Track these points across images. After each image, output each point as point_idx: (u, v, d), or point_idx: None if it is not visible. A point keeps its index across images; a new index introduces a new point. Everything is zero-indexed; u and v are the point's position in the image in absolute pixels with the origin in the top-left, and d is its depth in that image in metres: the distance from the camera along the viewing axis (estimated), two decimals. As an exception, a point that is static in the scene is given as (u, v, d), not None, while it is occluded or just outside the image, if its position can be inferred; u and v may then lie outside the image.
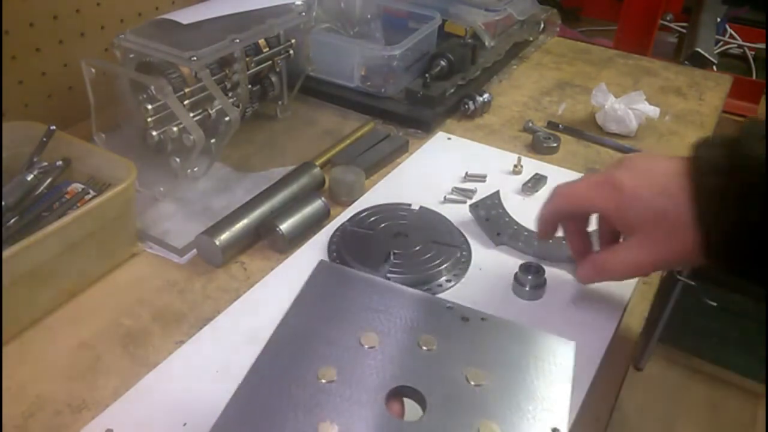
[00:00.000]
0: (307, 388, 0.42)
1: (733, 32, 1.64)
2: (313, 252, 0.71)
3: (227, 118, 0.79)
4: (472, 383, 0.43)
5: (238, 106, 0.83)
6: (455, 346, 0.46)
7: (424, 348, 0.45)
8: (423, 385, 0.42)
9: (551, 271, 0.69)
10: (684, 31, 1.63)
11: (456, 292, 0.66)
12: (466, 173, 0.84)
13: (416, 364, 0.44)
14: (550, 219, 0.62)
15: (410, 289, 0.51)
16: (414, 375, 0.43)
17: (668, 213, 0.52)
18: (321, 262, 0.53)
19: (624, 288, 0.67)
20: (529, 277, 0.65)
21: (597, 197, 0.57)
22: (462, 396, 0.42)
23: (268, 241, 0.72)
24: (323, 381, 0.42)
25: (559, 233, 0.73)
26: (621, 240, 0.60)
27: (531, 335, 0.47)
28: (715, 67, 1.36)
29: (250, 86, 0.85)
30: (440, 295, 0.65)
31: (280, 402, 0.41)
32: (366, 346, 0.45)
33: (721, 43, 1.62)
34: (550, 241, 0.71)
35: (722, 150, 0.51)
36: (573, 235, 0.63)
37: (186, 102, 0.76)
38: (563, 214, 0.62)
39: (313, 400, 0.41)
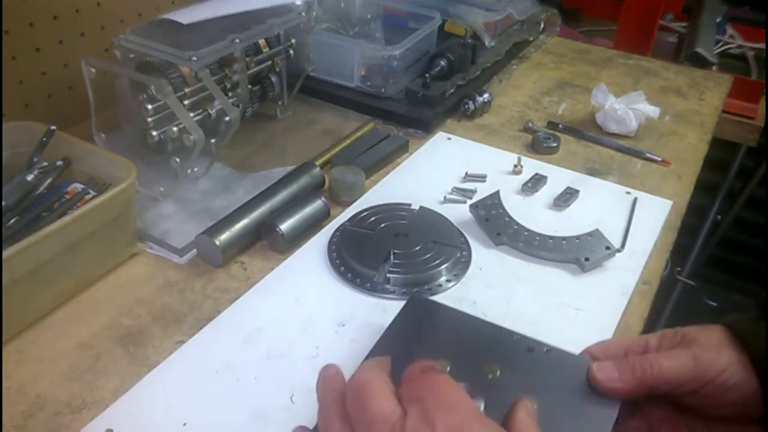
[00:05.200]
0: None
1: (733, 32, 1.64)
2: (313, 252, 0.71)
3: (227, 118, 0.79)
4: None
5: (238, 106, 0.83)
6: (516, 376, 0.47)
7: (489, 376, 0.47)
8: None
9: (551, 271, 0.69)
10: (684, 31, 1.62)
11: (456, 293, 0.66)
12: (466, 173, 0.84)
13: (476, 389, 0.44)
14: None
15: (484, 320, 0.54)
16: (474, 400, 0.43)
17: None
18: (412, 297, 0.58)
19: (624, 288, 0.67)
20: None
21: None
22: None
23: (268, 241, 0.72)
24: None
25: (558, 234, 0.73)
26: None
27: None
28: (715, 67, 1.36)
29: (250, 86, 0.85)
30: (439, 296, 0.66)
31: None
32: None
33: (721, 43, 1.62)
34: (550, 240, 0.71)
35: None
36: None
37: (186, 102, 0.76)
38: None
39: None
